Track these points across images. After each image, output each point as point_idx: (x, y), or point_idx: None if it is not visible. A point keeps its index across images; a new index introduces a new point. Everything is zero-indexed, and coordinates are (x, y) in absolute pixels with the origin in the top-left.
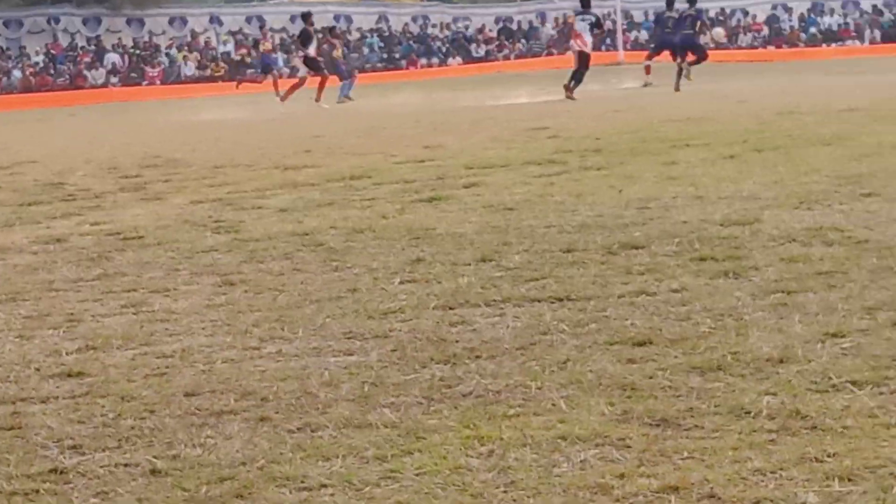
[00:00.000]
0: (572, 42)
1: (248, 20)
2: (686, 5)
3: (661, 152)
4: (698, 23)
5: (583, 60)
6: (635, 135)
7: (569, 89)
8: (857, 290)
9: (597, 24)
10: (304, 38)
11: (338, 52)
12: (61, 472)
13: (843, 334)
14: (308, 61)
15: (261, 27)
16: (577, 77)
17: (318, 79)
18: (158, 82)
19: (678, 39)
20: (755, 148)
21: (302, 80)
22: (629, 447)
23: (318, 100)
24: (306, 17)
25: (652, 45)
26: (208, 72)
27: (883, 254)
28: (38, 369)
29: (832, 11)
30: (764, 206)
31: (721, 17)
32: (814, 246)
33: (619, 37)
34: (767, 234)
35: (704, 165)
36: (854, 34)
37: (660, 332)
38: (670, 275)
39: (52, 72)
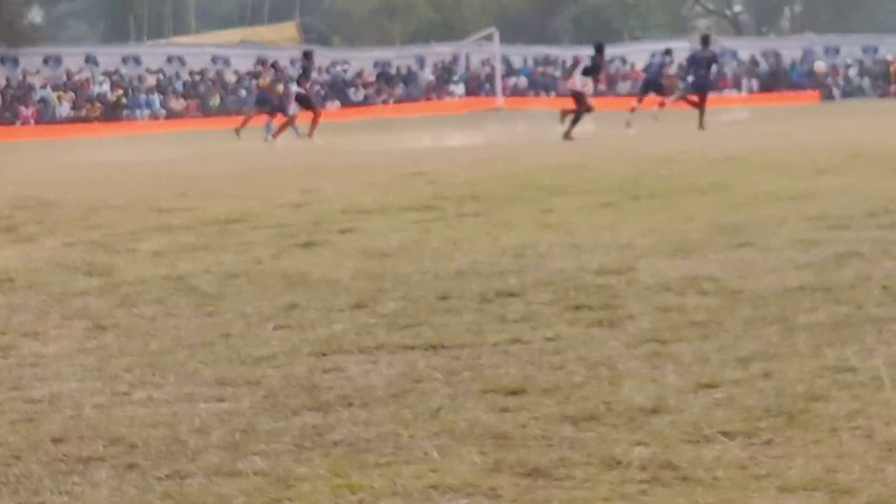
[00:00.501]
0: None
1: (125, 61)
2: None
3: (539, 199)
4: (714, 65)
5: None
6: (513, 181)
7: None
8: (730, 340)
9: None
10: (306, 75)
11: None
12: None
13: (715, 385)
14: (300, 98)
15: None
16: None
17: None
18: (32, 122)
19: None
20: (632, 196)
21: (292, 118)
22: (500, 497)
23: (310, 136)
24: (308, 55)
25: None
26: (84, 112)
27: (757, 304)
28: None
29: None
30: (640, 255)
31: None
32: (689, 295)
33: (498, 83)
34: (643, 283)
35: (581, 213)
36: (732, 83)
37: (533, 380)
38: (545, 323)
39: None
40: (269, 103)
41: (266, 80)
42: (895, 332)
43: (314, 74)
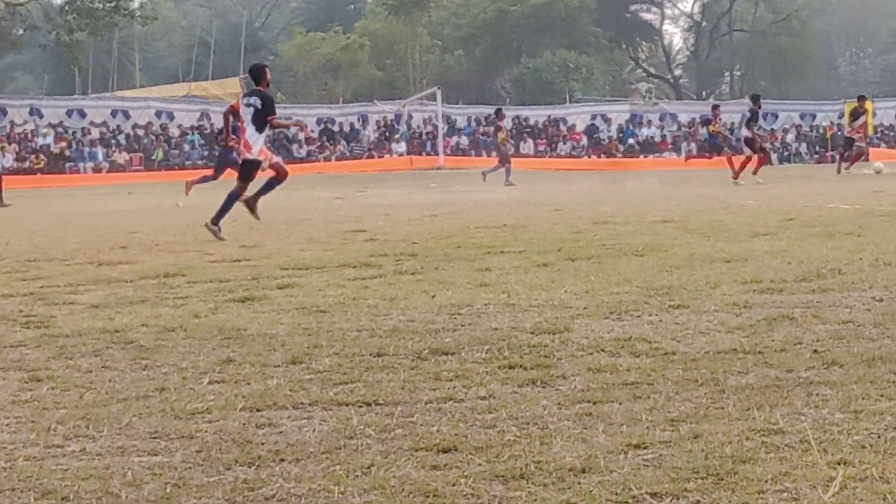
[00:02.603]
0: None
1: (69, 113)
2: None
3: (476, 258)
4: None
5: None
6: (451, 240)
7: None
8: (661, 401)
9: None
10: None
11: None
12: None
13: (645, 445)
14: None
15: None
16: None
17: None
18: None
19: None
20: (569, 257)
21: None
22: None
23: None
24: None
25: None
26: (28, 164)
27: (689, 366)
28: None
29: (650, 123)
30: (574, 316)
31: (541, 127)
32: (622, 356)
33: (441, 141)
34: (577, 344)
35: (518, 273)
36: (671, 146)
37: (465, 438)
38: (478, 382)
39: None
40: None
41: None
42: (824, 396)
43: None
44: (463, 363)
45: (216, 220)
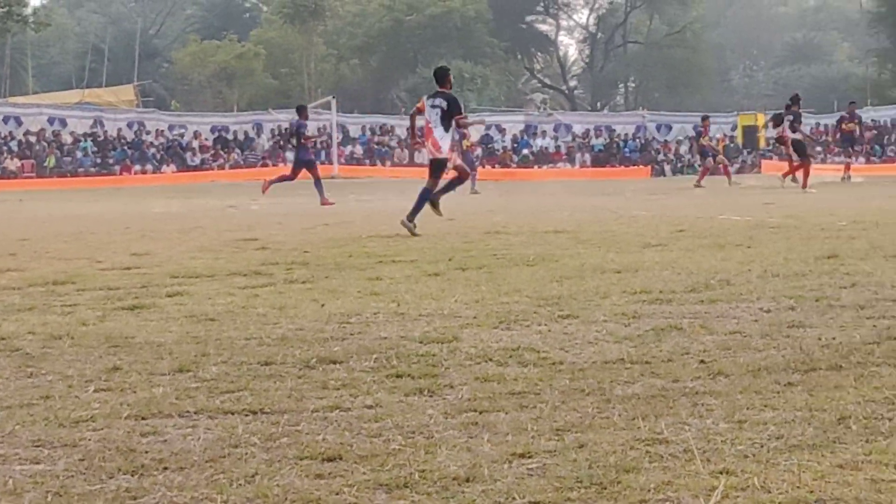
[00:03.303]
0: None
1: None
2: None
3: (367, 267)
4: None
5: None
6: (342, 249)
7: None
8: (547, 410)
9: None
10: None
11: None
12: None
13: (530, 455)
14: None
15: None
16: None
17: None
18: None
19: None
20: (460, 266)
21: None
22: None
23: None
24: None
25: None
26: None
27: (576, 375)
28: None
29: (545, 134)
30: (464, 325)
31: None
32: (509, 366)
33: (335, 150)
34: (465, 353)
35: (408, 282)
36: (565, 157)
37: (350, 447)
38: (365, 391)
39: None
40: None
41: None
42: (709, 406)
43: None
44: (351, 372)
45: (411, 216)
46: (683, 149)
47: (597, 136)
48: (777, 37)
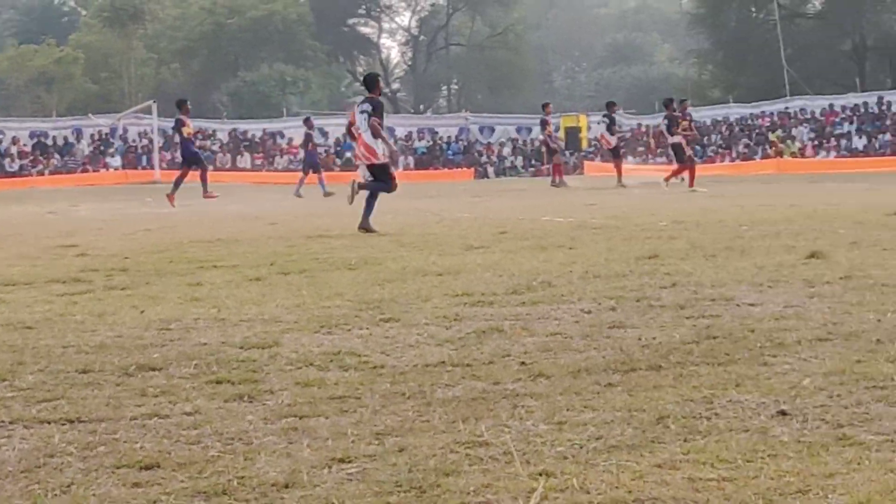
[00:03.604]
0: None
1: None
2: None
3: (188, 273)
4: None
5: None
6: (163, 255)
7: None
8: (367, 415)
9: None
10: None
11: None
12: None
13: (350, 459)
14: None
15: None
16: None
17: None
18: None
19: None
20: (281, 271)
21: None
22: None
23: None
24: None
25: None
26: None
27: (397, 379)
28: None
29: None
30: (285, 330)
31: (258, 140)
32: (330, 370)
33: (156, 155)
34: (286, 358)
35: (229, 287)
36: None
37: (168, 455)
38: (185, 397)
39: None
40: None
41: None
42: (529, 408)
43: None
44: (170, 379)
45: (364, 221)
46: (507, 150)
47: (420, 139)
48: (598, 38)
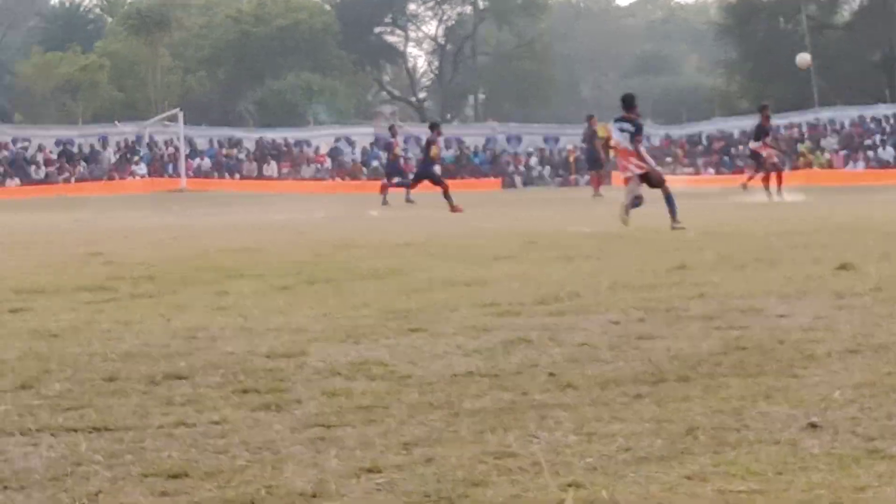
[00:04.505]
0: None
1: None
2: None
3: (214, 282)
4: None
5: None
6: (189, 263)
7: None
8: (395, 425)
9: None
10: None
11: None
12: None
13: (377, 469)
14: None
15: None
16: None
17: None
18: None
19: None
20: (308, 280)
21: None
22: None
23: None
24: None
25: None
26: None
27: (424, 389)
28: None
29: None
30: (311, 339)
31: (285, 149)
32: (357, 380)
33: (182, 164)
34: (312, 368)
35: (256, 297)
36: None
37: (196, 464)
38: (212, 406)
39: None
40: (400, 172)
41: (397, 149)
42: (557, 419)
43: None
44: (196, 388)
45: (673, 219)
46: (534, 160)
47: (447, 149)
48: (626, 48)
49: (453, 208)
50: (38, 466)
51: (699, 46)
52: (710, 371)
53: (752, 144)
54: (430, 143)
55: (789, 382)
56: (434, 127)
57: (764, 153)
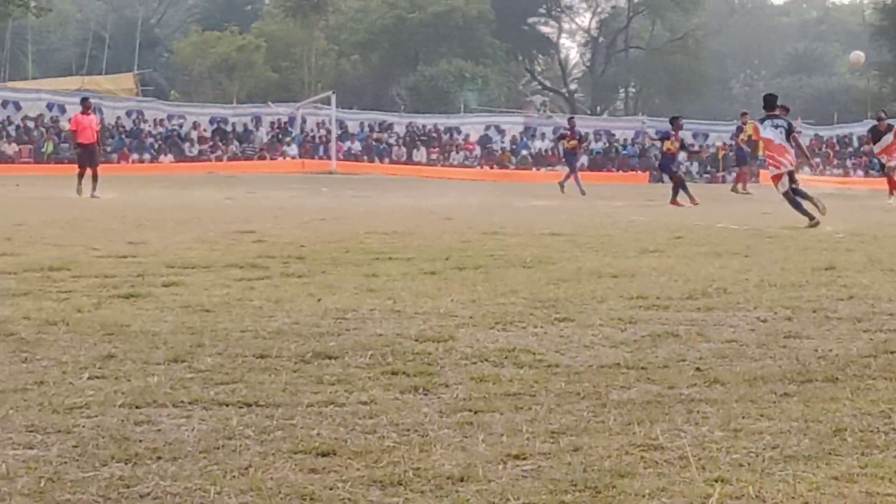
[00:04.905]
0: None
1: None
2: None
3: (363, 264)
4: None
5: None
6: (339, 245)
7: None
8: (542, 413)
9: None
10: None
11: None
12: None
13: (525, 456)
14: None
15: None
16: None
17: None
18: None
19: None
20: (456, 266)
21: None
22: None
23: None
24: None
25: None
26: None
27: (571, 378)
28: None
29: (543, 136)
30: (460, 324)
31: (434, 135)
32: (505, 367)
33: (333, 146)
34: (460, 353)
35: (405, 280)
36: (563, 160)
37: (345, 443)
38: (360, 387)
39: None
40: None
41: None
42: (704, 414)
43: None
44: (346, 368)
45: (805, 215)
46: (682, 156)
47: (596, 140)
48: (778, 47)
49: (692, 200)
50: (189, 439)
51: (853, 47)
52: (859, 373)
53: (876, 150)
54: (664, 137)
55: None
56: (674, 120)
57: (883, 158)
